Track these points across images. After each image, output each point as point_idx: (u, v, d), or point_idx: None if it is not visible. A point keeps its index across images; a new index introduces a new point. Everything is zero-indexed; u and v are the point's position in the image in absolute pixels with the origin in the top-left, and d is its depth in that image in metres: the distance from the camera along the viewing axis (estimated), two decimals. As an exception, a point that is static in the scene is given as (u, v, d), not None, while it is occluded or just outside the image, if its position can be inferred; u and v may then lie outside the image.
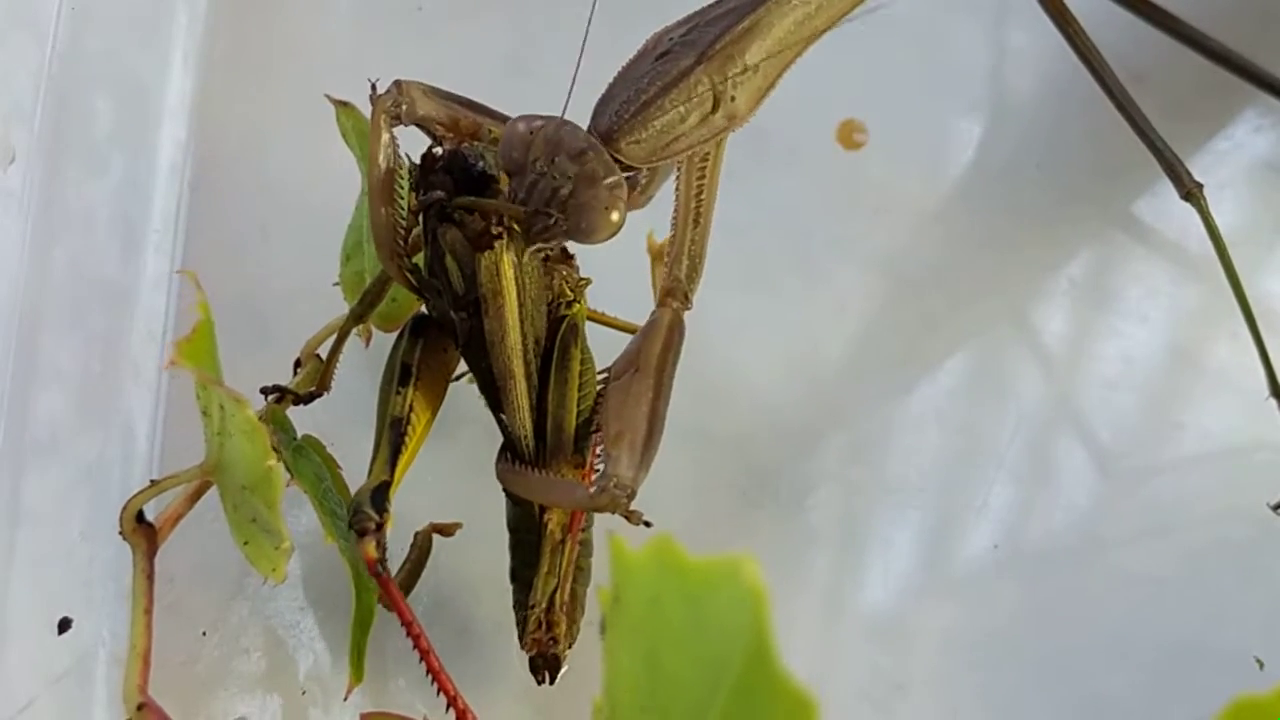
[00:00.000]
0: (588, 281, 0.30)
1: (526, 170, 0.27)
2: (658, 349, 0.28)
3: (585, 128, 0.28)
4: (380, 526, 0.28)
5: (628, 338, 0.30)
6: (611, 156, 0.28)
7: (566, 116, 0.28)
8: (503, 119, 0.29)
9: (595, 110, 0.28)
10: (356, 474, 0.31)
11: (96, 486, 0.34)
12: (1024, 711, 0.34)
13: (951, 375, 0.38)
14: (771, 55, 0.29)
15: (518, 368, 0.29)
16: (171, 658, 0.32)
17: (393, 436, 0.29)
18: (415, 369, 0.30)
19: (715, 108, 0.29)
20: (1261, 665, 0.34)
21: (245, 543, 0.29)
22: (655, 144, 0.28)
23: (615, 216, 0.27)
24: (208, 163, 0.40)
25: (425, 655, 0.27)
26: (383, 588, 0.28)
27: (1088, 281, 0.39)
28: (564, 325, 0.29)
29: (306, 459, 0.31)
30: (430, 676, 0.27)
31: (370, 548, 0.27)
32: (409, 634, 0.27)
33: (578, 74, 0.29)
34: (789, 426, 0.37)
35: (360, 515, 0.28)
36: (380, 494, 0.28)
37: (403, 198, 0.28)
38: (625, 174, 0.28)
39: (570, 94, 0.28)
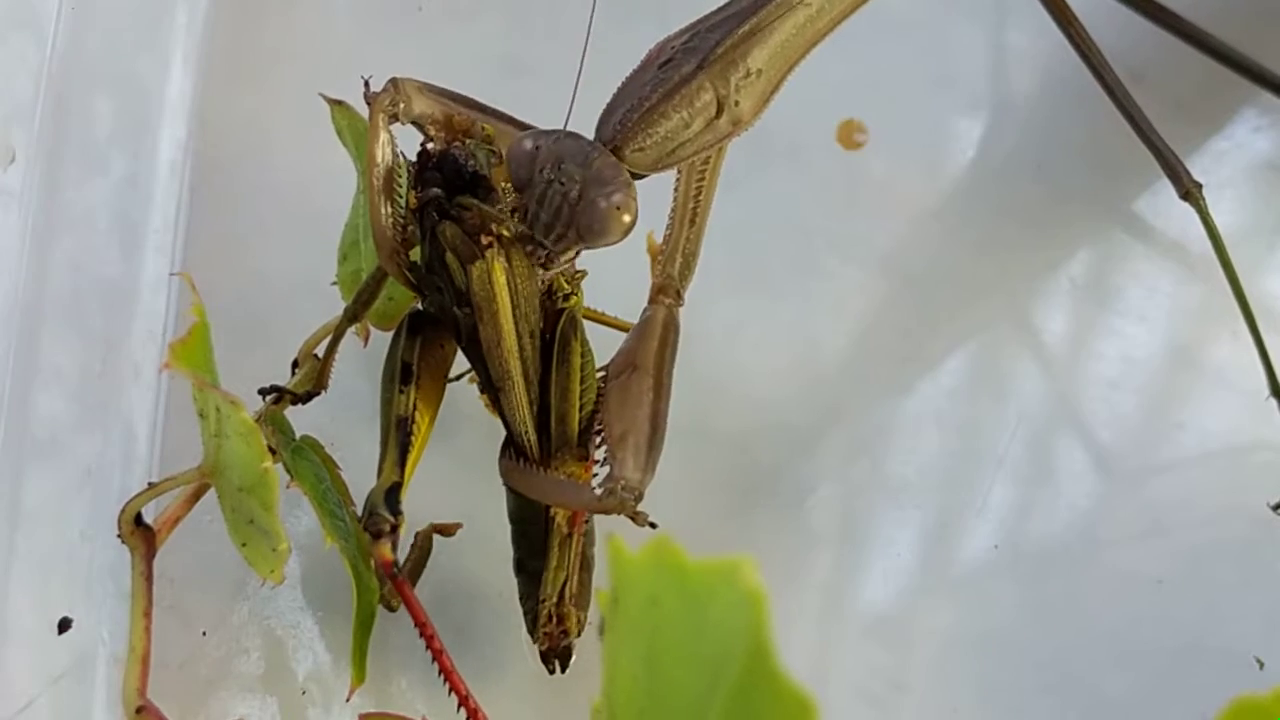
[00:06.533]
0: (583, 274, 0.30)
1: (535, 183, 0.27)
2: (655, 346, 0.28)
3: (590, 137, 0.28)
4: (395, 528, 0.28)
5: (622, 336, 0.30)
6: None
7: (568, 121, 0.28)
8: (498, 115, 0.29)
9: (600, 120, 0.28)
10: (355, 474, 0.31)
11: (96, 487, 0.34)
12: (1024, 711, 0.34)
13: (951, 375, 0.38)
14: (774, 58, 0.29)
15: (515, 368, 0.29)
16: (171, 658, 0.32)
17: (400, 437, 0.29)
18: (416, 367, 0.30)
19: (719, 113, 0.29)
20: (1261, 665, 0.34)
21: (243, 544, 0.29)
22: (660, 151, 0.28)
23: (627, 218, 0.27)
24: (208, 163, 0.40)
25: (438, 655, 0.27)
26: (397, 589, 0.28)
27: (1088, 281, 0.39)
28: (563, 318, 0.29)
29: (305, 459, 0.31)
30: (442, 677, 0.27)
31: (386, 549, 0.27)
32: (422, 634, 0.27)
33: (578, 77, 0.29)
34: (788, 426, 0.37)
35: (375, 517, 0.28)
36: (393, 495, 0.28)
37: (401, 195, 0.28)
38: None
39: (574, 101, 0.28)
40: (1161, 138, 0.35)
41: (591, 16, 0.30)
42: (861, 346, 0.39)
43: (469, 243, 0.27)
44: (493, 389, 0.29)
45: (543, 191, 0.27)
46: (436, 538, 0.33)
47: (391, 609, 0.31)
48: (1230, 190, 0.40)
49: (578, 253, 0.29)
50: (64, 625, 0.32)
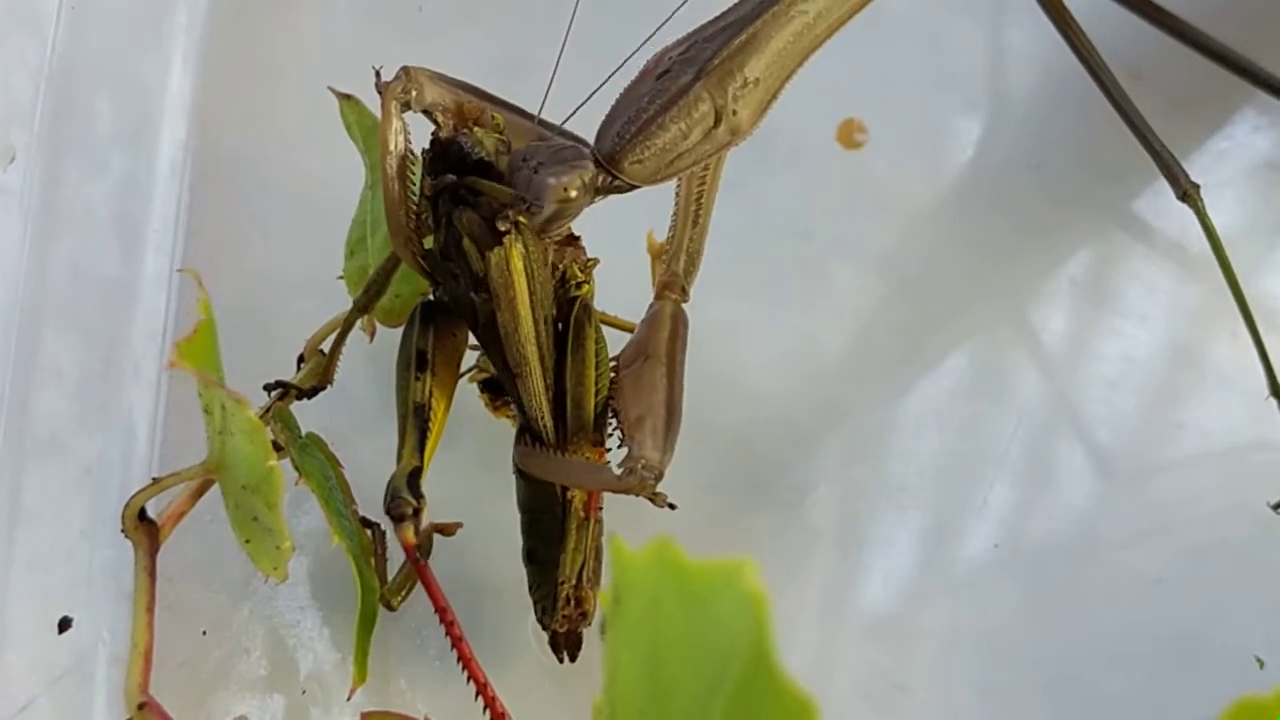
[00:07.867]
0: (595, 261, 0.30)
1: (518, 170, 0.27)
2: (665, 337, 0.29)
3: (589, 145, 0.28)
4: (417, 512, 0.28)
5: (628, 337, 0.30)
6: (614, 175, 0.28)
7: (542, 109, 0.28)
8: (508, 106, 0.30)
9: (598, 132, 0.28)
10: (355, 473, 0.31)
11: (96, 486, 0.34)
12: (1024, 711, 0.34)
13: (951, 375, 0.38)
14: (772, 67, 0.29)
15: (531, 354, 0.29)
16: (171, 657, 0.32)
17: (417, 422, 0.29)
18: (430, 354, 0.30)
19: (717, 123, 0.29)
20: (1262, 665, 0.34)
21: (247, 541, 0.29)
22: (659, 162, 0.28)
23: (572, 193, 0.27)
24: (208, 163, 0.40)
25: (458, 643, 0.27)
26: (418, 574, 0.28)
27: (1088, 281, 0.39)
28: (577, 305, 0.29)
29: (311, 456, 0.31)
30: (461, 664, 0.27)
31: (409, 533, 0.28)
32: (442, 620, 0.27)
33: (553, 75, 0.29)
34: (789, 426, 0.37)
35: (398, 501, 0.28)
36: (414, 479, 0.28)
37: (414, 183, 0.28)
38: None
39: (546, 96, 0.29)
40: (1159, 139, 0.35)
41: (572, 17, 0.30)
42: (861, 346, 0.39)
43: (487, 229, 0.27)
44: (509, 375, 0.29)
45: (514, 172, 0.27)
46: (436, 537, 0.33)
47: (391, 608, 0.31)
48: (1230, 190, 0.40)
49: (568, 235, 0.29)
50: (64, 625, 0.32)
